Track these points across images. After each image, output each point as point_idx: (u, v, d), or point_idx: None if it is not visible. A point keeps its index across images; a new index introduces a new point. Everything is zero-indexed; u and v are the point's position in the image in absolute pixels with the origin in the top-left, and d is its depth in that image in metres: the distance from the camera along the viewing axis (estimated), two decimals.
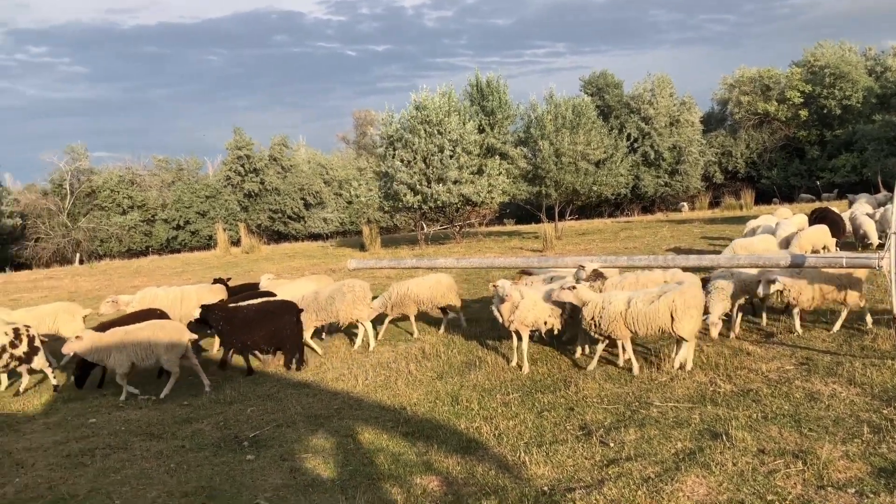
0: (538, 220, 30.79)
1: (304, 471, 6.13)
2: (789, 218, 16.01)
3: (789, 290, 8.91)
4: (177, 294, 11.96)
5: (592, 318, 8.22)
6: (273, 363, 10.13)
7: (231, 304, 10.35)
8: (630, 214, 43.96)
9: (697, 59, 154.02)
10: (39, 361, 9.71)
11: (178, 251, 43.38)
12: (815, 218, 15.16)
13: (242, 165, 49.17)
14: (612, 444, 6.00)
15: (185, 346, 9.12)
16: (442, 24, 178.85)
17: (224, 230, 33.79)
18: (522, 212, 37.42)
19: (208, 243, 44.28)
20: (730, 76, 51.79)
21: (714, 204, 37.50)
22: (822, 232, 13.52)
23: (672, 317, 7.81)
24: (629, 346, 8.29)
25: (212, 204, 48.72)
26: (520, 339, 8.87)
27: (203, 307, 9.86)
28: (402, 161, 26.25)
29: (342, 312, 10.56)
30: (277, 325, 9.71)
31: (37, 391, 9.76)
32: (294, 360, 9.86)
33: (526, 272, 11.19)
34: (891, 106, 44.80)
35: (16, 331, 9.54)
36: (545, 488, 5.31)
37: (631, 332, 8.09)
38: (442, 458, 6.13)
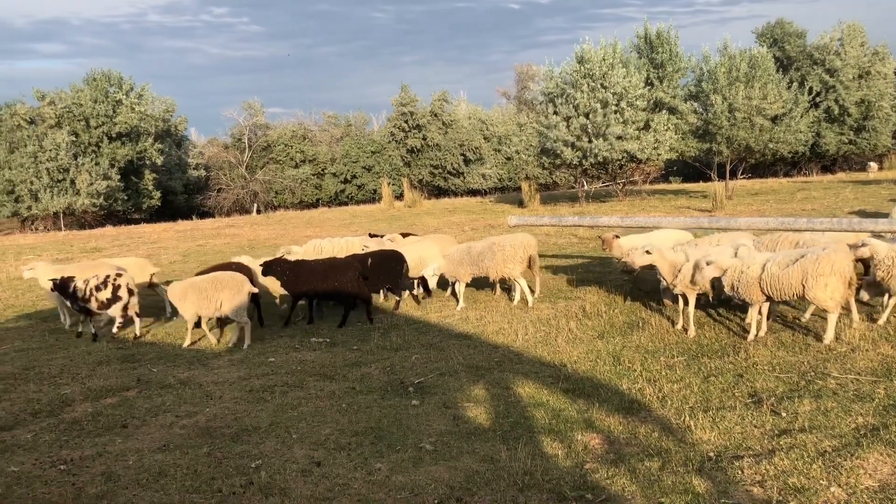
0: (707, 179, 29.51)
1: (466, 419, 6.31)
2: None
3: (881, 263, 7.60)
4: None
5: (732, 286, 7.95)
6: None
7: (296, 259, 10.96)
8: (808, 174, 41.15)
9: None
10: (115, 310, 10.24)
11: (346, 204, 45.41)
12: None
13: (406, 122, 50.32)
14: (784, 414, 5.73)
15: (246, 299, 9.60)
16: None
17: (388, 185, 34.92)
18: (690, 169, 35.89)
19: (373, 197, 45.97)
20: None
21: None
22: None
23: (803, 284, 7.36)
24: (763, 312, 8.01)
25: (377, 159, 50.38)
26: (686, 302, 8.60)
27: (264, 263, 10.52)
28: (562, 116, 25.83)
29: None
30: (340, 280, 10.18)
31: (220, 330, 10.59)
32: (367, 314, 10.44)
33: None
34: None
35: (107, 276, 10.21)
36: (711, 454, 5.17)
37: (766, 296, 7.73)
38: (603, 416, 6.11)
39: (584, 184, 29.80)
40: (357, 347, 9.02)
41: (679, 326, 8.65)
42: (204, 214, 43.91)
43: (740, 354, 7.38)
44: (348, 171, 50.48)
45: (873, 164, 35.68)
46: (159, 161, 43.20)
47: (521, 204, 28.31)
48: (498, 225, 21.07)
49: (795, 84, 29.63)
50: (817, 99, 41.97)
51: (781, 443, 5.23)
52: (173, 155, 47.80)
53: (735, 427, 5.61)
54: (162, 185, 44.80)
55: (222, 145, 54.94)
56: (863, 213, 16.89)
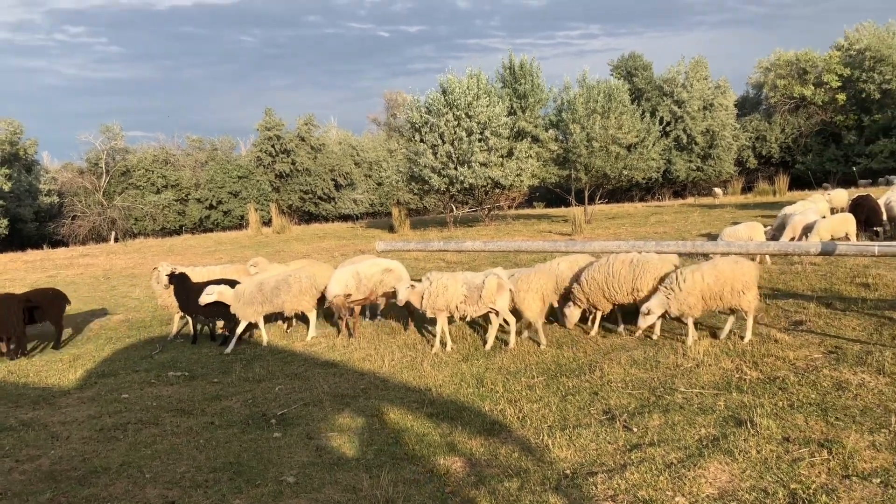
0: (568, 204, 30.67)
1: (329, 449, 6.23)
2: (816, 205, 15.96)
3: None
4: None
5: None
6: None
7: None
8: (661, 199, 43.59)
9: (734, 42, 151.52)
10: None
11: (211, 230, 43.98)
12: (853, 205, 14.98)
13: (273, 146, 49.48)
14: (635, 430, 6.01)
15: None
16: (474, 4, 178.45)
17: (255, 210, 34.15)
18: (552, 195, 37.27)
19: (240, 223, 44.81)
20: (766, 59, 50.91)
21: (747, 189, 37.08)
22: (844, 220, 13.35)
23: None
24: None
25: (244, 184, 49.18)
26: (442, 322, 9.45)
27: None
28: (428, 144, 26.24)
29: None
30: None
31: (72, 366, 9.97)
32: (16, 350, 10.61)
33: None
34: None
35: None
36: (567, 472, 5.34)
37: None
38: (466, 439, 6.19)
39: (453, 209, 30.30)
40: (218, 380, 8.72)
41: (511, 346, 9.11)
42: (57, 243, 41.19)
43: (596, 373, 7.69)
44: (213, 196, 48.93)
45: (718, 190, 38.24)
46: (6, 187, 40.35)
47: (391, 229, 28.40)
48: (368, 250, 20.98)
49: (648, 114, 31.42)
50: (667, 128, 44.75)
51: (632, 457, 5.47)
52: (23, 180, 44.77)
53: (590, 444, 5.82)
54: (10, 213, 41.84)
55: (77, 170, 51.90)
56: (709, 236, 18.04)
